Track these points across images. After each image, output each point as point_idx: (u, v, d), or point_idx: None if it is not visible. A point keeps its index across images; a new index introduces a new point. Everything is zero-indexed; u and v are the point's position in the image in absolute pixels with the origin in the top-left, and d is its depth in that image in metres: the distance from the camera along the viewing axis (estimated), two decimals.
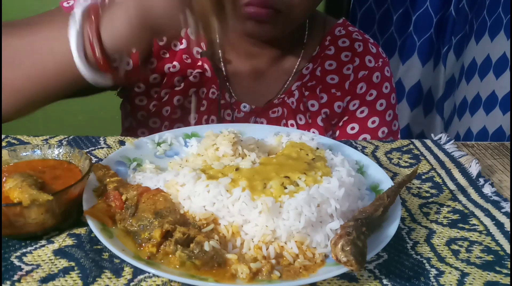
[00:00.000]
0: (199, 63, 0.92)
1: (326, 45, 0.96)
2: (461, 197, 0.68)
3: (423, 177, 0.73)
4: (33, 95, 0.66)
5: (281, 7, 0.77)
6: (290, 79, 0.95)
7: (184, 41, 0.91)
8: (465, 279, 0.51)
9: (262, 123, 0.94)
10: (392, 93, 0.99)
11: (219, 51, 0.92)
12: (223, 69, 0.94)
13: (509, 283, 0.51)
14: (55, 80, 0.64)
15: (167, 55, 0.91)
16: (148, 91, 0.93)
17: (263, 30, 0.79)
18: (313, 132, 0.92)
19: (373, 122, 0.97)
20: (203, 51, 0.91)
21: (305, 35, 0.96)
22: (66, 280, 0.47)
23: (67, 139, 0.77)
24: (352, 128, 0.97)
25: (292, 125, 0.94)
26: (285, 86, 0.95)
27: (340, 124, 0.98)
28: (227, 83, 0.94)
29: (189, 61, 0.91)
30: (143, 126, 0.96)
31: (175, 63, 0.90)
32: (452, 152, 0.81)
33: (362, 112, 0.96)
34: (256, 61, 0.94)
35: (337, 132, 0.98)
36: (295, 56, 0.95)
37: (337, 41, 0.96)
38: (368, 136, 0.96)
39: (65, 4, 0.84)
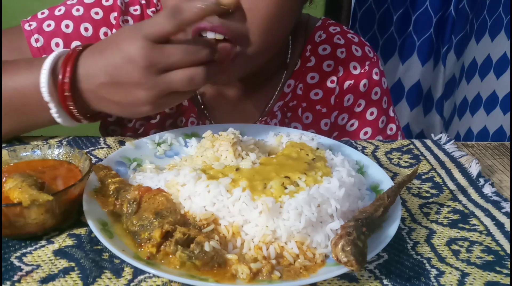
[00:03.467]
0: None
1: (307, 56, 0.89)
2: (461, 197, 0.67)
3: (423, 177, 0.73)
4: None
5: (235, 40, 0.68)
6: (272, 100, 0.89)
7: None
8: (466, 279, 0.51)
9: None
10: (384, 97, 0.93)
11: None
12: (199, 97, 0.89)
13: (509, 283, 0.51)
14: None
15: None
16: (121, 120, 0.89)
17: (223, 78, 0.74)
18: None
19: (365, 133, 0.92)
20: None
21: (288, 56, 0.89)
22: (66, 281, 0.47)
23: (67, 139, 0.77)
24: None
25: None
26: (267, 108, 0.90)
27: None
28: (205, 111, 0.90)
29: None
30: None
31: None
32: (452, 152, 0.81)
33: (352, 125, 0.91)
34: (233, 88, 0.89)
35: None
36: (277, 77, 0.89)
37: (317, 49, 0.89)
38: None
39: (26, 27, 0.81)
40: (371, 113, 0.91)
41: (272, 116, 0.90)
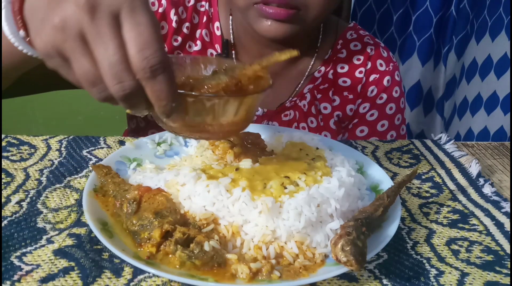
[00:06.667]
0: None
1: (338, 48, 0.97)
2: (461, 197, 0.68)
3: (423, 177, 0.73)
4: None
5: (299, 6, 0.77)
6: (302, 82, 0.95)
7: (198, 42, 0.91)
8: (465, 279, 0.51)
9: None
10: (401, 98, 1.00)
11: (233, 52, 0.92)
12: None
13: (509, 283, 0.51)
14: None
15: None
16: None
17: (281, 30, 0.79)
18: (325, 135, 0.92)
19: (382, 125, 0.97)
20: (217, 54, 0.90)
21: (320, 38, 0.96)
22: (66, 280, 0.47)
23: (67, 139, 0.77)
24: (362, 131, 0.97)
25: (303, 128, 0.94)
26: (297, 89, 0.95)
27: (350, 126, 0.98)
28: None
29: None
30: (153, 127, 0.95)
31: None
32: (452, 152, 0.81)
33: (372, 115, 0.97)
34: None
35: (346, 134, 0.98)
36: (308, 59, 0.96)
37: (349, 44, 0.97)
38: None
39: None
40: (391, 108, 0.97)
41: (302, 97, 0.95)
